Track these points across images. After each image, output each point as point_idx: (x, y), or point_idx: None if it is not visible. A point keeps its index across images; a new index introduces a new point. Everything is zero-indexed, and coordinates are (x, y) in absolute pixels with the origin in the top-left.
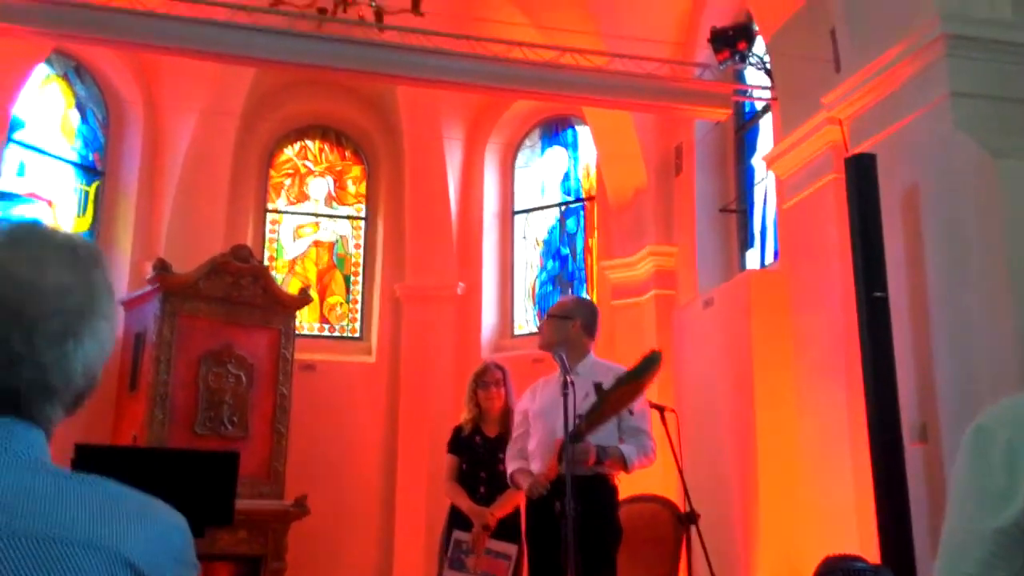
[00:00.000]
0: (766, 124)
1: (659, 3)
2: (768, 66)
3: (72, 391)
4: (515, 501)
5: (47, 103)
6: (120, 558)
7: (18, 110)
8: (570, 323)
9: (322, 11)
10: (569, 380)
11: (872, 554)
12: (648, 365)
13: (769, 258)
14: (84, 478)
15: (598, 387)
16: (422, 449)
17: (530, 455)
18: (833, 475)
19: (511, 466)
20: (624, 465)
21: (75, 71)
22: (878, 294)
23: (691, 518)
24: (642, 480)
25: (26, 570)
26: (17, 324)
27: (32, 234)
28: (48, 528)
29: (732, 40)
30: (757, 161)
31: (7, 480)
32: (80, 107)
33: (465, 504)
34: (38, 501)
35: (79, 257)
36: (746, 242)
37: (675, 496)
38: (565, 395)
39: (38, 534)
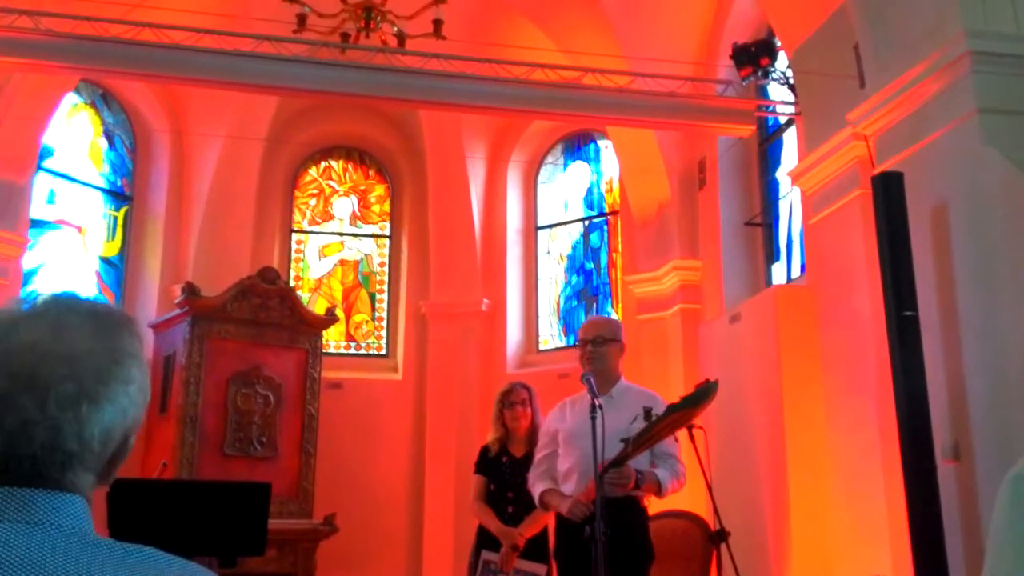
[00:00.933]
0: (790, 137)
1: (680, 21)
2: (791, 81)
3: (93, 456)
4: (543, 521)
5: (76, 130)
6: None
7: (47, 138)
8: (619, 345)
9: (345, 36)
10: (598, 404)
11: (905, 574)
12: (704, 394)
13: (795, 272)
14: (126, 548)
15: (648, 412)
16: (449, 465)
17: (562, 476)
18: (865, 494)
19: (539, 486)
20: (659, 490)
21: (103, 99)
22: (908, 313)
23: (721, 536)
24: (671, 497)
25: None
26: (31, 388)
27: (56, 302)
28: None
29: (754, 56)
30: (782, 175)
31: (53, 554)
32: (108, 134)
33: (493, 524)
34: (80, 572)
35: (101, 323)
36: (772, 256)
37: (705, 513)
38: (593, 419)
39: None
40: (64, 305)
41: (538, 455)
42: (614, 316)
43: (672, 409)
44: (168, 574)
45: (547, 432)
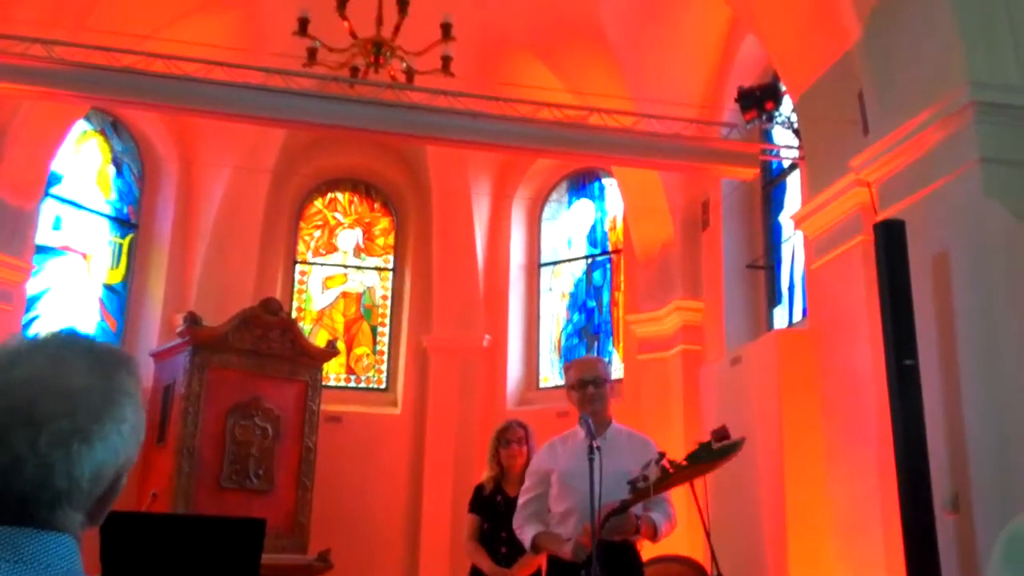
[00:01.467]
0: (794, 181)
1: (687, 63)
2: (795, 126)
3: (82, 495)
4: (537, 563)
5: (84, 157)
6: None
7: (56, 164)
8: (611, 386)
9: (354, 71)
10: (596, 446)
11: None
12: (729, 450)
13: (797, 315)
14: None
15: (662, 458)
16: (446, 502)
17: (558, 517)
18: (864, 544)
19: (531, 529)
20: (654, 534)
21: (112, 127)
22: (908, 362)
23: None
24: (670, 541)
25: None
26: (24, 424)
27: (56, 339)
28: None
29: (759, 99)
30: (784, 218)
31: None
32: (116, 161)
33: (486, 565)
34: None
35: (99, 360)
36: (774, 299)
37: (702, 559)
38: (591, 459)
39: None
40: (63, 341)
41: (524, 496)
42: (603, 356)
43: (693, 461)
44: None
45: (537, 472)
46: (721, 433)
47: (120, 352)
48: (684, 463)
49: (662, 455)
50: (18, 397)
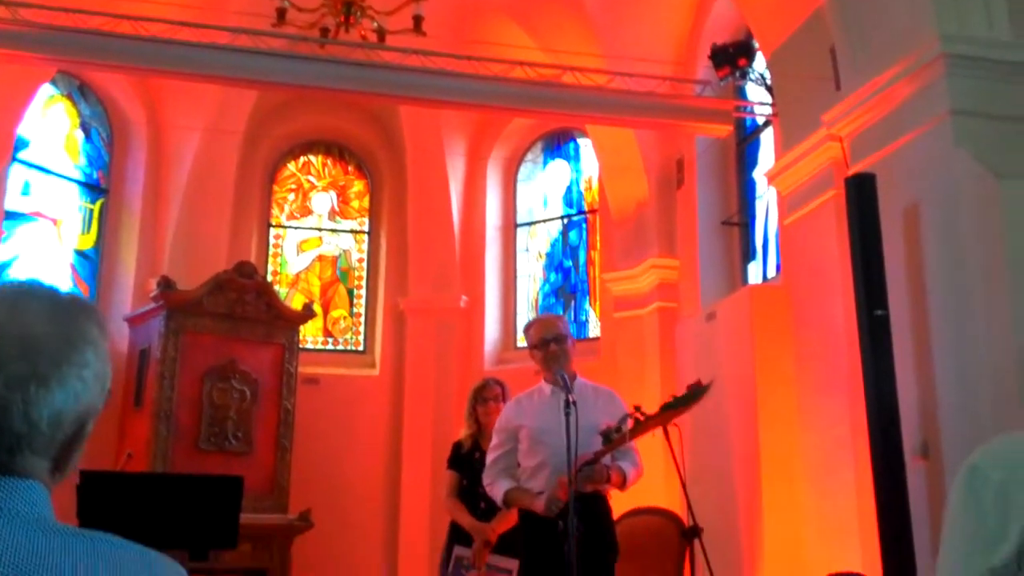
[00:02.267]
0: (767, 138)
1: (660, 21)
2: (768, 82)
3: (43, 440)
4: (514, 516)
5: (52, 122)
6: None
7: (23, 129)
8: (571, 341)
9: (324, 32)
10: (572, 400)
11: (874, 570)
12: (696, 396)
13: (771, 271)
14: (85, 535)
15: (637, 410)
16: (426, 461)
17: (529, 471)
18: (836, 491)
19: (502, 485)
20: (623, 483)
21: (79, 91)
22: (879, 312)
23: (694, 532)
24: (646, 494)
25: None
26: None
27: (18, 287)
28: None
29: (732, 57)
30: (758, 175)
31: (8, 540)
32: (84, 126)
33: (466, 520)
34: (40, 560)
35: (59, 307)
36: (748, 255)
37: (679, 510)
38: (567, 415)
39: None
40: (25, 289)
41: (493, 453)
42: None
43: (666, 408)
44: (128, 560)
45: (505, 429)
46: (694, 386)
47: (82, 300)
48: (656, 412)
49: (637, 408)
50: None
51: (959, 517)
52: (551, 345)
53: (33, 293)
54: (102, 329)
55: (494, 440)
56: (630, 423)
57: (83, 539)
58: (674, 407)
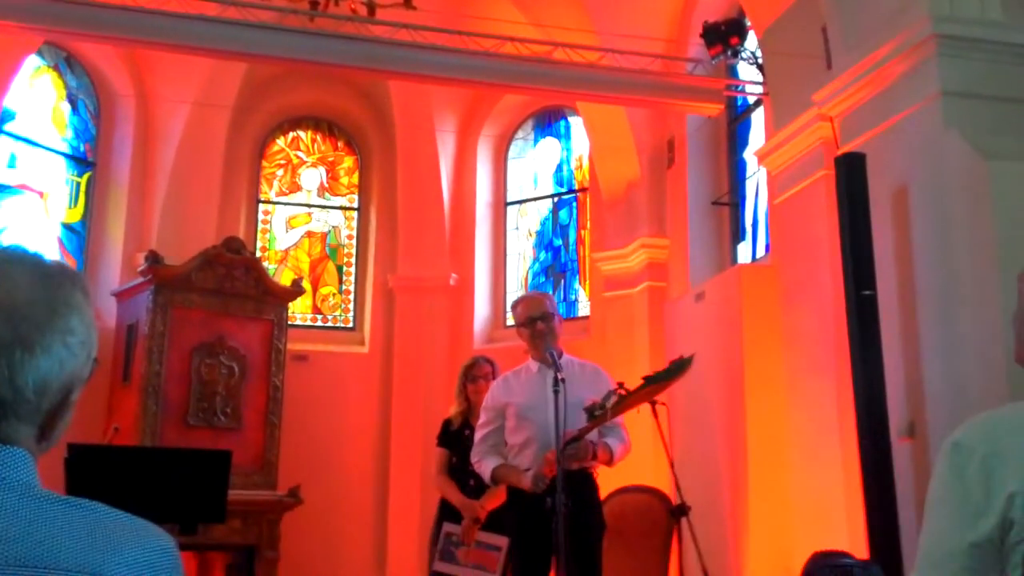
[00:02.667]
0: (758, 117)
1: None
2: (760, 61)
3: (29, 407)
4: (504, 494)
5: (38, 94)
6: None
7: (9, 101)
8: (558, 319)
9: (314, 4)
10: (560, 378)
11: (860, 549)
12: (679, 369)
13: (761, 251)
14: (71, 502)
15: (621, 386)
16: (415, 439)
17: (516, 448)
18: (822, 470)
19: (490, 462)
20: (610, 459)
21: (66, 62)
22: (867, 292)
23: (682, 510)
24: (634, 472)
25: None
26: None
27: (2, 253)
28: (35, 554)
29: (724, 35)
30: (749, 154)
31: None
32: (71, 98)
33: (455, 497)
34: (25, 527)
35: (44, 274)
36: (738, 235)
37: (667, 488)
38: (556, 392)
39: (25, 560)
40: (8, 255)
41: (482, 431)
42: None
43: (649, 381)
44: (113, 527)
45: (493, 407)
46: (678, 360)
47: (67, 267)
48: (638, 386)
49: (621, 384)
50: None
51: (942, 492)
52: (538, 323)
53: (17, 259)
54: (87, 296)
55: (482, 418)
56: (613, 399)
57: (70, 506)
58: (656, 381)
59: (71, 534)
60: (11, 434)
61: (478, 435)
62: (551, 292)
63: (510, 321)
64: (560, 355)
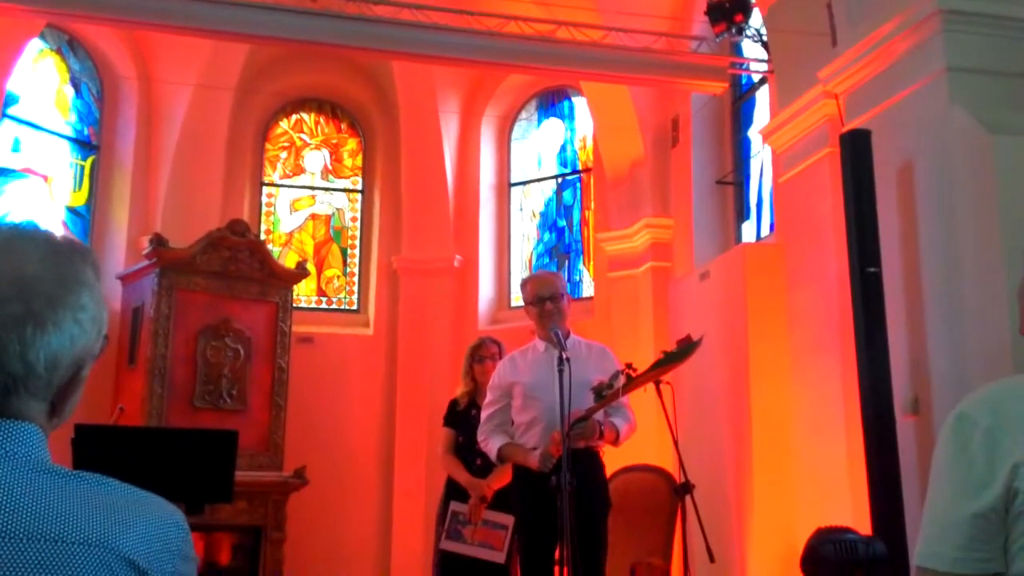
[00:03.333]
0: (763, 96)
1: None
2: (765, 39)
3: (40, 383)
4: (511, 473)
5: (41, 78)
6: (119, 555)
7: (12, 85)
8: (567, 299)
9: None
10: (565, 357)
11: (864, 525)
12: (687, 351)
13: (765, 230)
14: (82, 476)
15: (628, 367)
16: (420, 420)
17: (523, 427)
18: (826, 447)
19: (496, 440)
20: (616, 438)
21: (68, 45)
22: (871, 269)
23: (686, 489)
24: (638, 451)
25: (25, 570)
26: None
27: (13, 228)
28: (47, 527)
29: (729, 12)
30: (754, 133)
31: (5, 481)
32: (74, 81)
33: (462, 476)
34: (36, 500)
35: (55, 250)
36: (742, 214)
37: (671, 467)
38: (560, 371)
39: (37, 533)
40: (20, 231)
41: (488, 409)
42: (573, 275)
43: (658, 363)
44: (124, 501)
45: (499, 386)
46: (685, 341)
47: (77, 243)
48: (647, 368)
49: (628, 365)
50: None
51: (947, 463)
52: (547, 303)
53: (28, 235)
54: (97, 272)
55: (488, 397)
56: (622, 379)
57: (80, 480)
58: (665, 363)
59: (82, 508)
60: (22, 409)
61: (484, 413)
62: (557, 271)
63: (514, 302)
64: (567, 335)
